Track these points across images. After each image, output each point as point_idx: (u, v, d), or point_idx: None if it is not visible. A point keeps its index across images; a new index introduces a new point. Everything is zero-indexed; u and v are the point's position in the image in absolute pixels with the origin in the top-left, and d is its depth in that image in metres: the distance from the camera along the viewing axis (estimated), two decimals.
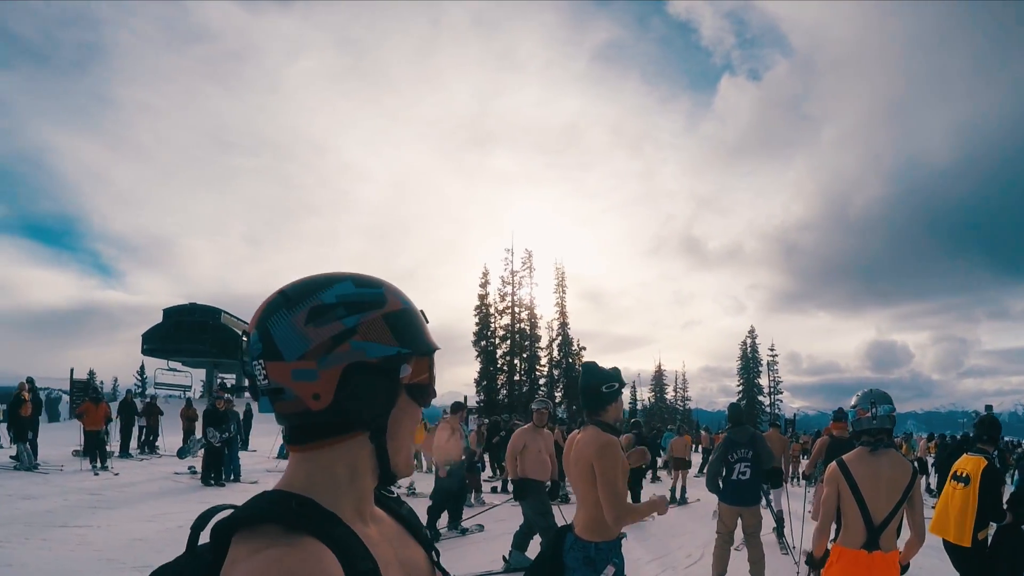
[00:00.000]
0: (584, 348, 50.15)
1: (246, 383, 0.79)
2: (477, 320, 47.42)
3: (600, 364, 3.07)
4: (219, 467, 11.40)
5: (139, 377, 54.65)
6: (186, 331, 36.50)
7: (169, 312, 38.00)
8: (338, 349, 0.75)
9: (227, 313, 37.79)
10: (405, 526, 0.92)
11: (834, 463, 3.16)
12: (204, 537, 0.73)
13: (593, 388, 2.96)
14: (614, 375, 3.00)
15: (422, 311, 0.85)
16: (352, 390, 0.75)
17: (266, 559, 0.64)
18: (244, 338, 0.78)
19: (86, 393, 20.96)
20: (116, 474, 11.60)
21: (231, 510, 0.72)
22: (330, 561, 0.66)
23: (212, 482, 11.10)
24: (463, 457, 8.36)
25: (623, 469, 2.81)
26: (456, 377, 51.66)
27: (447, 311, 69.65)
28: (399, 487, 10.31)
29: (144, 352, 38.43)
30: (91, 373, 25.11)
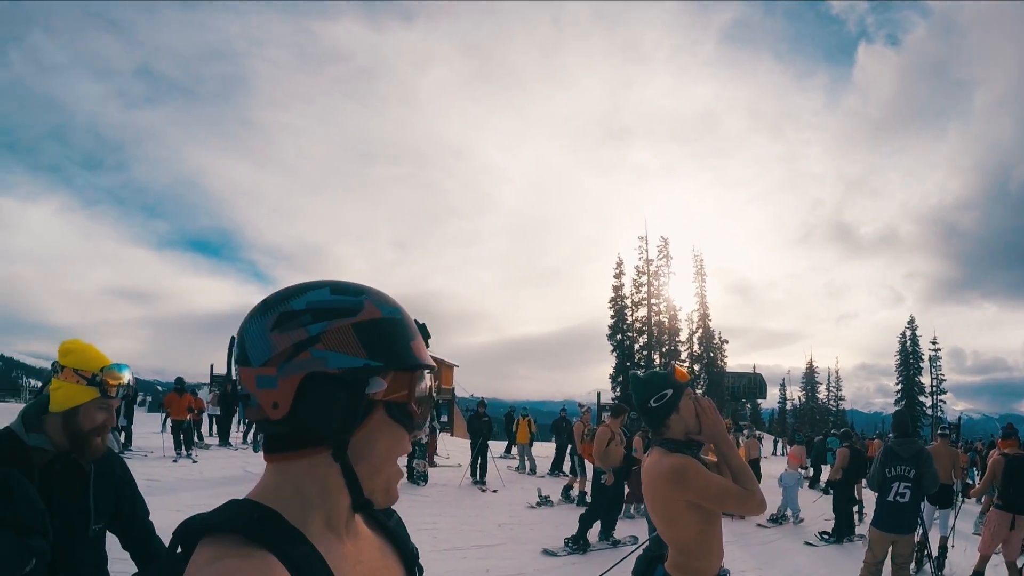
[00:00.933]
0: (726, 341, 47.60)
1: None
2: (612, 313, 46.30)
3: (654, 369, 2.60)
4: None
5: None
6: None
7: None
8: (298, 357, 0.72)
9: None
10: (391, 540, 0.89)
11: None
12: None
13: (642, 405, 2.42)
14: (662, 382, 2.40)
15: (422, 324, 0.82)
16: (310, 401, 0.71)
17: (221, 569, 0.65)
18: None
19: (214, 385, 21.94)
20: (194, 462, 11.76)
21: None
22: None
23: None
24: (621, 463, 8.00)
25: (712, 481, 2.26)
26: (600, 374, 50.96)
27: (593, 309, 69.22)
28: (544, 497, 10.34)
29: None
30: (211, 367, 27.47)
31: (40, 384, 8.19)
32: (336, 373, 0.72)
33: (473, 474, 12.30)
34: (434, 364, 0.81)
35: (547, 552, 7.22)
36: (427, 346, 0.81)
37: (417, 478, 11.39)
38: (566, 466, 13.35)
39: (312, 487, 0.74)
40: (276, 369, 0.72)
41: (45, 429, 1.74)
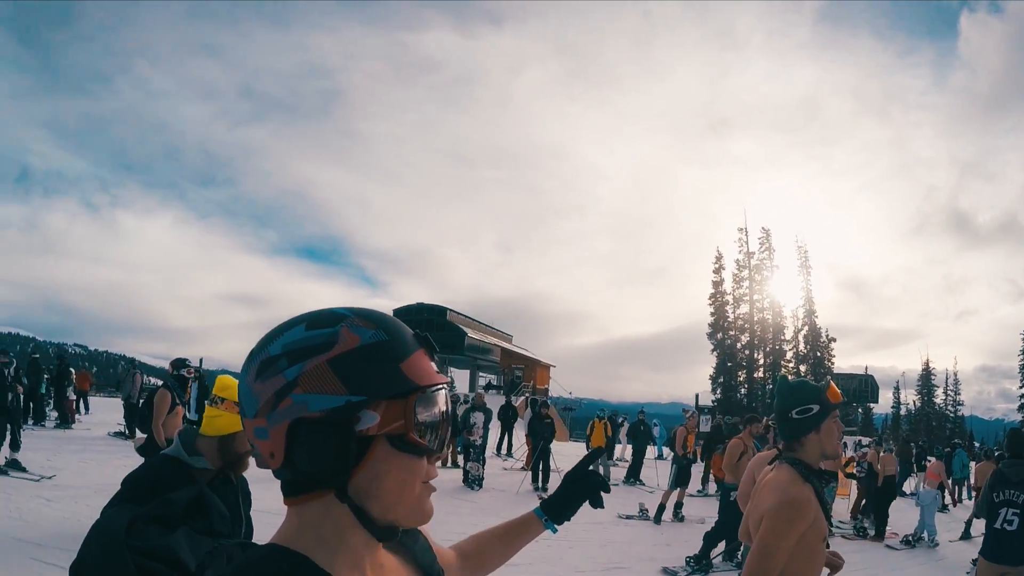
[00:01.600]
0: (834, 340, 44.79)
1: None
2: (712, 310, 44.68)
3: (808, 379, 2.13)
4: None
5: None
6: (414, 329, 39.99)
7: (398, 312, 41.94)
8: (281, 405, 0.71)
9: (452, 311, 40.35)
10: (417, 565, 0.89)
11: None
12: None
13: (783, 413, 2.19)
14: (811, 394, 2.15)
15: (424, 337, 0.77)
16: (300, 447, 0.70)
17: None
18: None
19: None
20: None
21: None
22: None
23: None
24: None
25: (792, 543, 1.97)
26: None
27: (697, 307, 66.94)
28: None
29: None
30: None
31: (159, 383, 8.54)
32: (319, 416, 0.70)
33: (534, 480, 11.69)
34: (442, 380, 0.76)
35: (668, 572, 6.76)
36: (433, 359, 0.78)
37: (472, 482, 11.05)
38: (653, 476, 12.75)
39: (328, 529, 0.73)
40: (265, 420, 0.72)
41: (201, 451, 2.04)
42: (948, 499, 13.72)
